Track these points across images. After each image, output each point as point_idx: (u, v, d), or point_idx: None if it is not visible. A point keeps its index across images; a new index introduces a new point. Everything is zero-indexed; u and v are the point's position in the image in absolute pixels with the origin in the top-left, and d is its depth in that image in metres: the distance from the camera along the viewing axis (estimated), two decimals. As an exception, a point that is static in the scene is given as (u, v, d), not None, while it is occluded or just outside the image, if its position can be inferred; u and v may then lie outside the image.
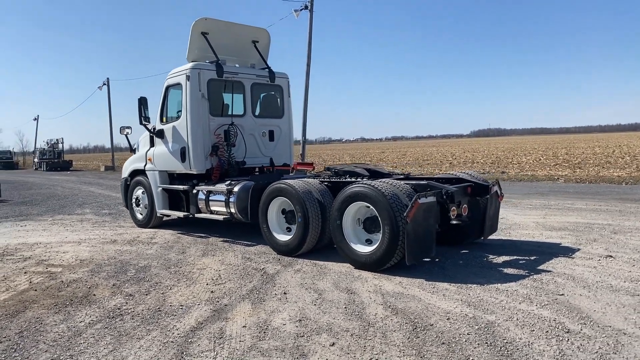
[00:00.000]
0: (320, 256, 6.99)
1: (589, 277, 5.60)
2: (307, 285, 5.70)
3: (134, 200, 10.32)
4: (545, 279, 5.61)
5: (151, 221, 9.96)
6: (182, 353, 3.96)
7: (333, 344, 4.03)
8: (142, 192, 10.05)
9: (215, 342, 4.16)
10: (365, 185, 6.21)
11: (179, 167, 9.08)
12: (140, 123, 9.28)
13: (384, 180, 6.49)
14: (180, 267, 6.79)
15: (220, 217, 8.33)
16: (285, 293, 5.44)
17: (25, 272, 6.70)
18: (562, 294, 5.06)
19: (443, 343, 3.96)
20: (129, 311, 5.02)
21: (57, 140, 50.08)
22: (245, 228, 9.12)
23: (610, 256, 6.51)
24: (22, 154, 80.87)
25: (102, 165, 45.41)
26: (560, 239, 7.71)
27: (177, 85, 8.94)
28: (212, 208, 8.52)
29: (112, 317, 4.85)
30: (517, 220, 9.55)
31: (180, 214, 9.13)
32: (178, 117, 8.98)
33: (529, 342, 3.92)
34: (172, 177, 9.54)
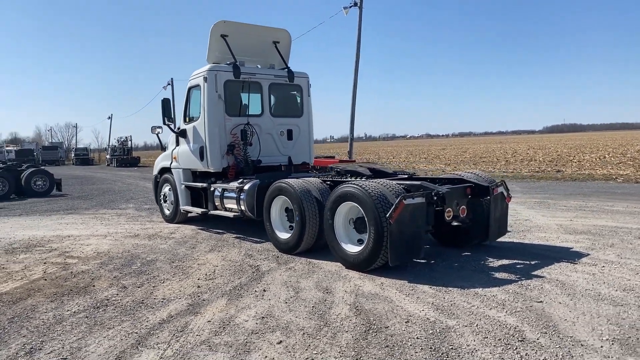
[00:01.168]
0: (318, 255, 7.05)
1: (580, 284, 5.33)
2: (289, 284, 5.80)
3: (162, 196, 10.83)
4: (533, 284, 5.39)
5: (176, 217, 10.41)
6: (139, 344, 4.18)
7: (280, 342, 4.11)
8: (169, 189, 10.53)
9: (174, 335, 4.36)
10: (354, 185, 6.21)
11: (198, 166, 9.44)
12: (164, 123, 9.72)
13: (375, 180, 6.46)
14: (184, 262, 7.09)
15: (231, 215, 8.59)
16: (264, 290, 5.57)
17: (44, 263, 7.25)
18: (541, 301, 4.86)
19: (387, 346, 3.94)
20: (115, 302, 5.34)
21: (126, 137, 52.92)
22: (261, 225, 9.33)
23: (617, 263, 6.14)
24: (98, 151, 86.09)
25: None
26: (575, 243, 7.34)
27: (197, 86, 9.29)
28: (226, 205, 8.80)
29: (97, 307, 5.19)
30: (540, 222, 9.16)
31: (199, 210, 9.49)
32: (198, 117, 9.32)
33: (474, 349, 3.83)
34: (195, 175, 9.93)
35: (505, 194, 7.06)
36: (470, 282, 5.57)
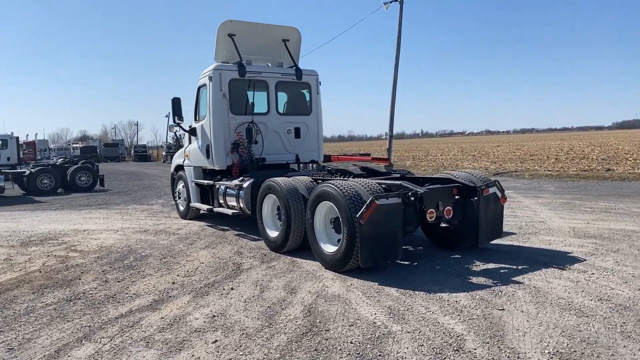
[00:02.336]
0: (304, 254, 6.98)
1: (556, 292, 5.02)
2: (260, 283, 5.80)
3: (176, 193, 11.13)
4: (505, 291, 5.13)
5: (189, 213, 10.66)
6: (85, 337, 4.32)
7: (215, 341, 4.13)
8: (182, 186, 10.79)
9: (122, 330, 4.46)
10: (330, 185, 6.13)
11: (205, 163, 9.62)
12: (174, 122, 9.96)
13: (355, 180, 6.34)
14: (174, 257, 7.25)
15: (230, 212, 8.70)
16: (232, 289, 5.61)
17: (47, 256, 7.62)
18: (503, 309, 4.61)
19: (315, 350, 3.86)
20: (89, 296, 5.53)
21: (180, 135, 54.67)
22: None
23: (611, 270, 5.74)
24: (156, 148, 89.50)
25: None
26: (578, 248, 6.92)
27: (204, 85, 9.44)
28: (228, 203, 8.91)
29: (70, 300, 5.40)
30: (554, 225, 8.69)
31: (205, 207, 9.66)
32: (205, 116, 9.49)
33: (402, 356, 3.69)
34: (205, 173, 10.12)
35: (499, 195, 6.75)
36: (441, 286, 5.36)
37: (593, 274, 5.63)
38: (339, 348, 3.88)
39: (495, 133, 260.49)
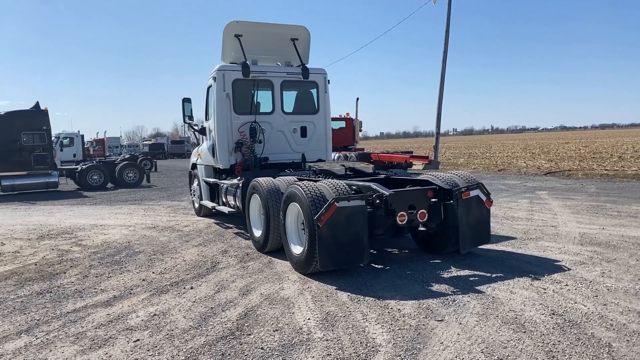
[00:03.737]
0: (285, 255, 6.97)
1: (511, 305, 4.70)
2: (221, 283, 5.84)
3: (192, 191, 11.42)
4: (459, 300, 4.87)
5: (202, 211, 10.92)
6: (26, 330, 4.53)
7: (137, 340, 4.20)
8: (197, 184, 11.06)
9: (64, 324, 4.64)
10: (296, 186, 6.06)
11: (212, 162, 9.80)
12: (184, 122, 10.23)
13: (325, 181, 6.23)
14: (163, 255, 7.45)
15: (226, 210, 8.82)
16: (192, 288, 5.69)
17: (52, 249, 8.07)
18: (441, 320, 4.39)
19: (222, 354, 3.85)
20: (60, 290, 5.80)
21: (239, 132, 56.05)
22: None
23: (590, 281, 5.29)
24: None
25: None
26: (571, 256, 6.44)
27: (211, 86, 9.62)
28: (229, 201, 9.04)
29: (40, 293, 5.69)
30: (563, 230, 8.14)
31: (210, 205, 9.85)
32: (211, 116, 9.67)
33: (300, 366, 3.59)
34: (215, 171, 10.31)
35: (482, 198, 6.40)
36: (395, 293, 5.17)
37: (567, 285, 5.22)
38: (246, 354, 3.84)
39: (571, 129, 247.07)
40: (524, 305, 4.66)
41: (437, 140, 27.15)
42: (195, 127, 10.43)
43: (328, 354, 3.77)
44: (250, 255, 7.21)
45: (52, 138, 30.42)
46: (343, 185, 5.97)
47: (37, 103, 19.02)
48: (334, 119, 28.38)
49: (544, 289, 5.11)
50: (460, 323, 4.29)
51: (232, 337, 4.17)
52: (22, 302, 5.40)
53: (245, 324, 4.45)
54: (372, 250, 7.24)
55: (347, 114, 27.97)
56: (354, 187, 6.26)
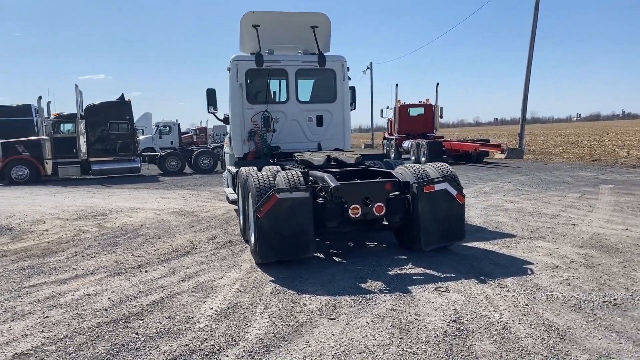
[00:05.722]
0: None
1: (424, 309, 4.38)
2: (176, 269, 6.03)
3: (223, 178, 11.84)
4: (375, 299, 4.64)
5: (229, 198, 11.30)
6: (-23, 301, 5.09)
7: (47, 317, 4.52)
8: (226, 172, 11.45)
9: (10, 297, 5.11)
10: (251, 175, 6.08)
11: (230, 151, 10.10)
12: (208, 112, 10.59)
13: (283, 171, 6.18)
14: (159, 238, 7.87)
15: (231, 197, 9.04)
16: (146, 272, 5.96)
17: (75, 229, 8.86)
18: (334, 318, 4.21)
19: (96, 333, 4.03)
20: (42, 267, 6.36)
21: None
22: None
23: (532, 287, 4.75)
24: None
25: (362, 144, 49.49)
26: (552, 259, 5.81)
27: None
28: (236, 189, 9.27)
29: (24, 269, 6.29)
30: (579, 229, 7.33)
31: (227, 192, 10.15)
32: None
33: (154, 345, 3.67)
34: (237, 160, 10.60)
35: (452, 192, 5.96)
36: (322, 288, 5.04)
37: (508, 291, 4.73)
38: (118, 337, 3.98)
39: None
40: (435, 310, 4.31)
41: (522, 128, 25.45)
42: (220, 117, 10.78)
43: (187, 344, 3.80)
44: (233, 242, 7.37)
45: (153, 126, 33.05)
46: (298, 176, 5.89)
47: (122, 95, 20.75)
48: (412, 106, 27.69)
49: (471, 294, 4.68)
50: (348, 323, 4.09)
51: (124, 321, 4.35)
52: (2, 275, 6.03)
53: (149, 309, 4.61)
54: (350, 244, 7.08)
55: (427, 99, 27.09)
56: (311, 178, 6.14)
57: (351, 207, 5.78)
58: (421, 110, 27.20)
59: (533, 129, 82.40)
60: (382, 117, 31.36)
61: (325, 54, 9.76)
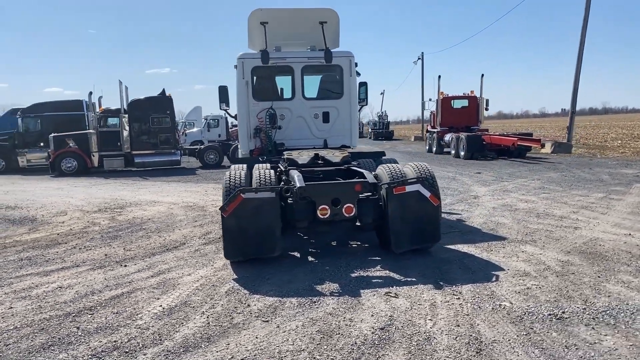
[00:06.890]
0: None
1: (361, 315, 4.33)
2: (154, 264, 6.24)
3: (240, 173, 12.06)
4: (320, 302, 4.63)
5: (244, 192, 11.50)
6: (-37, 290, 5.50)
7: (11, 307, 4.82)
8: (242, 167, 11.67)
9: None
10: (226, 174, 6.19)
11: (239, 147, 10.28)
12: (220, 108, 10.80)
13: (263, 170, 6.24)
14: (159, 232, 8.16)
15: (232, 194, 9.20)
16: (125, 266, 6.21)
17: (88, 221, 9.34)
18: (267, 321, 4.25)
19: (43, 326, 4.26)
20: (39, 258, 6.76)
21: (382, 112, 56.11)
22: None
23: (498, 297, 4.57)
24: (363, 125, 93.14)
25: (412, 136, 48.69)
26: (526, 265, 5.56)
27: (237, 74, 10.03)
28: (243, 185, 9.43)
29: (22, 259, 6.71)
30: (580, 233, 6.97)
31: (236, 188, 10.34)
32: (239, 103, 10.09)
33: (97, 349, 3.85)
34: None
35: (425, 193, 5.80)
36: (278, 288, 5.08)
37: (459, 299, 4.58)
38: (61, 330, 4.20)
39: None
40: (371, 316, 4.25)
41: (571, 120, 24.23)
42: (231, 114, 10.97)
43: (115, 341, 3.95)
44: (222, 238, 7.51)
45: (203, 119, 33.89)
46: (269, 176, 5.94)
47: (163, 90, 21.49)
48: (455, 98, 26.93)
49: (424, 301, 4.56)
50: (278, 327, 4.11)
51: (74, 315, 4.57)
52: (-2, 265, 6.47)
53: (104, 304, 4.82)
54: (333, 243, 7.06)
55: (472, 92, 26.26)
56: (284, 178, 6.16)
57: (319, 208, 5.76)
58: (465, 103, 26.42)
59: (602, 120, 78.17)
60: (425, 109, 30.75)
61: (332, 50, 9.70)
